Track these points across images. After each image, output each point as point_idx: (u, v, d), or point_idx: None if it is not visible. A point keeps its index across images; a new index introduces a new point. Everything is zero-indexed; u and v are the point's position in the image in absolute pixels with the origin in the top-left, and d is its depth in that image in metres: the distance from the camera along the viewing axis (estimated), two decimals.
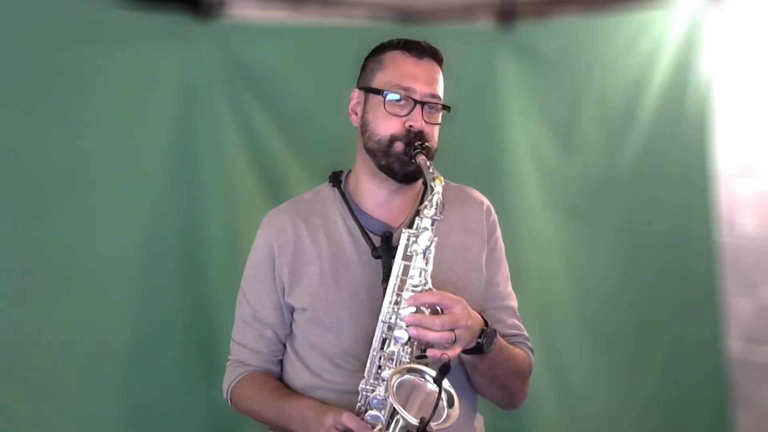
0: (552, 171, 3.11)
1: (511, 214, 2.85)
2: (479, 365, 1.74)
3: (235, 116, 2.62)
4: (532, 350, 1.89)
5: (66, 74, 2.39)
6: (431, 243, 1.66)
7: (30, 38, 2.34)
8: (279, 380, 1.87)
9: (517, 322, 1.89)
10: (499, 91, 2.97)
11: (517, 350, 1.82)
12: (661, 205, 3.31)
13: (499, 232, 1.90)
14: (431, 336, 1.60)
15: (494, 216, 1.90)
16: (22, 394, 2.36)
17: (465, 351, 1.66)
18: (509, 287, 1.91)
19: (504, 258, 1.91)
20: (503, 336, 1.79)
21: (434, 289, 1.65)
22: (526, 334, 1.89)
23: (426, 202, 1.67)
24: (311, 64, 2.72)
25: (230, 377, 1.87)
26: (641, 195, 3.27)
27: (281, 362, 1.88)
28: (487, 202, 1.91)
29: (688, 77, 3.27)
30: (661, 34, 3.21)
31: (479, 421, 1.90)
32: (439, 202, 1.66)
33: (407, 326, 1.62)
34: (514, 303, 1.91)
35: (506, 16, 2.99)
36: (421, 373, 1.59)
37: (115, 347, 2.49)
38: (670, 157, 3.29)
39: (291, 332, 1.85)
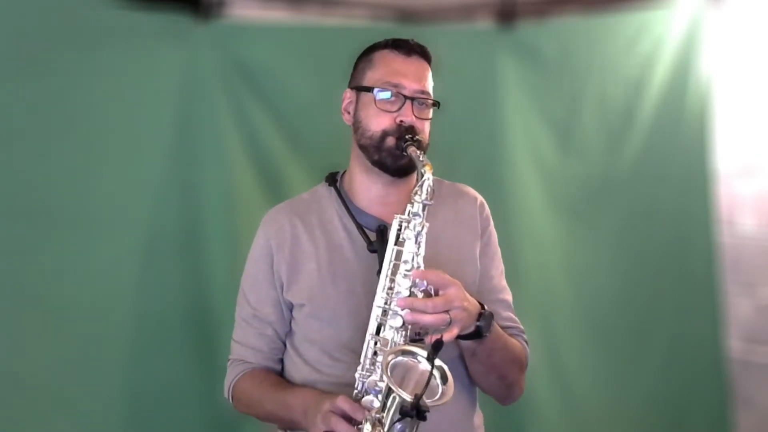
0: (552, 171, 3.11)
1: (511, 214, 2.86)
2: (478, 351, 1.75)
3: (235, 116, 2.63)
4: (527, 342, 1.90)
5: (66, 74, 2.39)
6: (423, 228, 1.68)
7: (30, 38, 2.34)
8: (279, 376, 1.88)
9: (512, 314, 1.91)
10: (499, 91, 2.97)
11: (513, 339, 1.84)
12: (661, 205, 3.31)
13: (492, 227, 1.92)
14: (426, 319, 1.61)
15: (488, 211, 1.93)
16: (22, 392, 2.36)
17: (464, 337, 1.67)
18: (504, 281, 1.93)
19: (498, 253, 1.93)
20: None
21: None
22: (521, 326, 1.91)
23: (416, 188, 1.69)
24: (311, 64, 2.73)
25: (231, 375, 1.88)
26: (641, 195, 3.27)
27: (282, 361, 1.89)
28: (480, 198, 1.93)
29: (688, 77, 3.27)
30: (661, 34, 3.21)
31: (479, 417, 1.90)
32: (429, 188, 1.68)
33: (401, 310, 1.63)
34: (508, 296, 1.92)
35: (506, 16, 2.99)
36: (414, 355, 1.60)
37: (116, 346, 2.50)
38: (670, 157, 3.29)
39: (290, 330, 1.86)
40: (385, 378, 1.55)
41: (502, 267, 1.93)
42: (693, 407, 3.37)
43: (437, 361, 1.56)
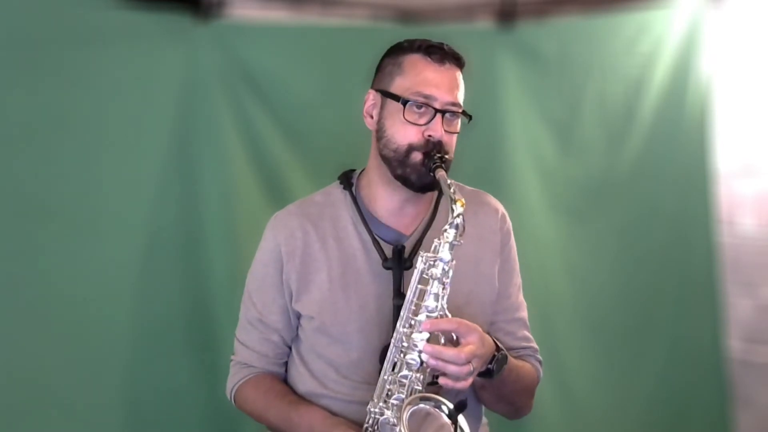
0: (552, 171, 3.11)
1: (511, 214, 2.84)
2: (487, 385, 1.72)
3: (235, 116, 2.62)
4: (540, 362, 1.86)
5: (65, 74, 2.39)
6: (449, 268, 1.61)
7: (30, 38, 2.33)
8: (284, 383, 1.84)
9: (527, 333, 1.86)
10: (499, 91, 2.96)
11: (527, 367, 1.80)
12: (661, 205, 3.30)
13: (513, 240, 1.86)
14: (451, 369, 1.55)
15: (509, 224, 1.87)
16: (22, 393, 2.35)
17: None
18: (521, 297, 1.88)
19: (516, 267, 1.87)
20: (513, 348, 1.77)
21: (449, 315, 1.60)
22: (535, 345, 1.87)
23: (446, 226, 1.61)
24: (311, 64, 2.72)
25: (234, 378, 1.85)
26: (641, 195, 3.26)
27: (286, 363, 1.86)
28: (502, 209, 1.87)
29: (688, 77, 3.27)
30: (661, 34, 3.21)
31: (484, 428, 1.89)
32: (460, 225, 1.59)
33: (422, 354, 1.57)
34: (524, 313, 1.87)
35: (506, 16, 2.99)
36: (437, 403, 1.57)
37: (116, 347, 2.49)
38: (670, 157, 3.29)
39: (297, 336, 1.82)
40: None
41: (519, 281, 1.87)
42: (693, 407, 3.37)
43: (459, 419, 1.54)
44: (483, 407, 1.87)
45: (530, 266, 2.93)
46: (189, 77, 2.55)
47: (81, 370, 2.43)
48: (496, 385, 1.70)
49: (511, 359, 1.70)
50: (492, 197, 1.89)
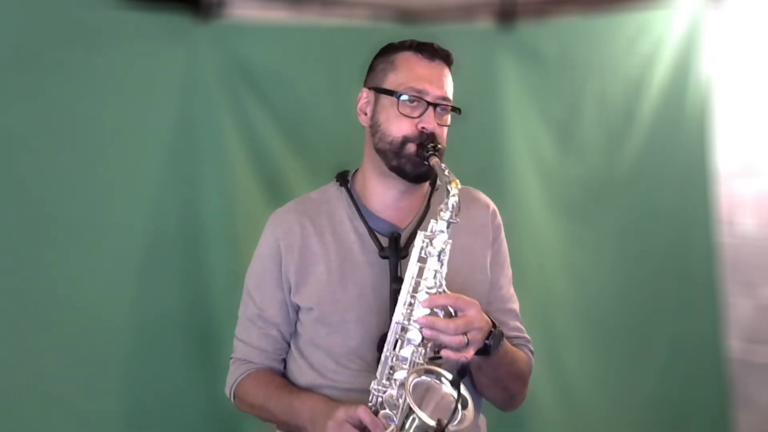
0: (552, 171, 3.11)
1: (511, 214, 2.84)
2: (484, 366, 1.75)
3: (235, 116, 2.63)
4: (532, 352, 1.90)
5: (66, 74, 2.39)
6: (446, 245, 1.66)
7: (30, 38, 2.34)
8: (283, 377, 1.87)
9: (519, 324, 1.91)
10: (499, 91, 2.97)
11: (520, 353, 1.84)
12: (661, 205, 3.31)
13: (503, 234, 1.92)
14: (444, 339, 1.60)
15: (499, 219, 1.92)
16: (23, 392, 2.36)
17: None
18: (512, 290, 1.93)
19: (508, 260, 1.92)
20: (506, 337, 1.80)
21: (448, 291, 1.66)
22: (527, 336, 1.91)
23: (442, 205, 1.67)
24: (311, 64, 2.72)
25: (234, 375, 1.87)
26: (641, 195, 3.27)
27: (285, 360, 1.88)
28: (492, 205, 1.92)
29: (688, 77, 3.27)
30: (661, 34, 3.21)
31: (482, 422, 1.91)
32: (455, 204, 1.66)
33: (420, 327, 1.62)
34: (516, 305, 1.92)
35: (506, 16, 2.99)
36: (438, 375, 1.60)
37: (117, 345, 2.50)
38: (670, 157, 3.29)
39: (295, 331, 1.85)
40: (408, 400, 1.54)
41: (510, 275, 1.92)
42: (693, 407, 3.37)
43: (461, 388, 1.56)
44: (482, 403, 1.88)
45: (530, 266, 2.96)
46: (189, 77, 2.56)
47: (82, 371, 2.44)
48: (492, 365, 1.74)
49: (506, 341, 1.74)
50: (482, 194, 1.95)
